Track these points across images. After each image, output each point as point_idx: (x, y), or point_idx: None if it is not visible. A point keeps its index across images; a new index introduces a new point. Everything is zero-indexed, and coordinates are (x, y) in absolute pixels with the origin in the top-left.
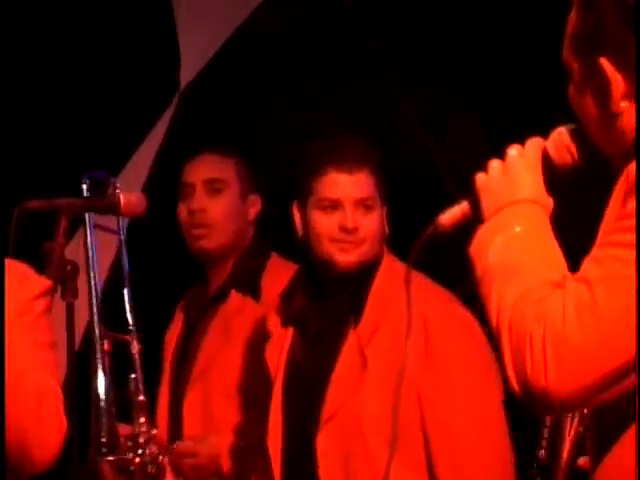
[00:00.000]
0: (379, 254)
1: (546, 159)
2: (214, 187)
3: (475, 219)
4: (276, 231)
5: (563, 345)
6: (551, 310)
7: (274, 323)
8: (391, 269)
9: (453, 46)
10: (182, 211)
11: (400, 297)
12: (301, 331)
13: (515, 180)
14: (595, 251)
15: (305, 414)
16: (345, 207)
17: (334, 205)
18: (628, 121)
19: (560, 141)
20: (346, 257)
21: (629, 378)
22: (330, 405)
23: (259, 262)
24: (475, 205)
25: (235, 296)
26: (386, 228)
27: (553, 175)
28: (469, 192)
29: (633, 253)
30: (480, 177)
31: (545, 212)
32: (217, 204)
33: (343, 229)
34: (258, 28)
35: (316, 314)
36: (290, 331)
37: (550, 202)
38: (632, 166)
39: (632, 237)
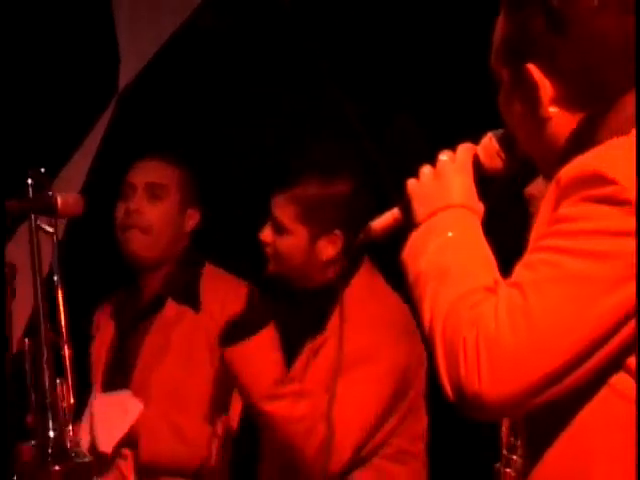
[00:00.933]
0: (339, 272)
1: (477, 164)
2: (155, 192)
3: (406, 224)
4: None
5: (496, 349)
6: (484, 315)
7: None
8: (357, 286)
9: (395, 50)
10: (119, 210)
11: (357, 311)
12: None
13: (446, 185)
14: (527, 256)
15: None
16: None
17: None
18: (557, 127)
19: (491, 146)
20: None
21: (563, 382)
22: None
23: (195, 271)
24: (406, 210)
25: (172, 306)
26: (330, 251)
27: (484, 180)
28: (401, 197)
29: (564, 258)
30: (411, 182)
31: (477, 217)
32: (155, 209)
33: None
34: (199, 28)
35: (286, 326)
36: None
37: (481, 207)
38: (563, 172)
39: (563, 242)
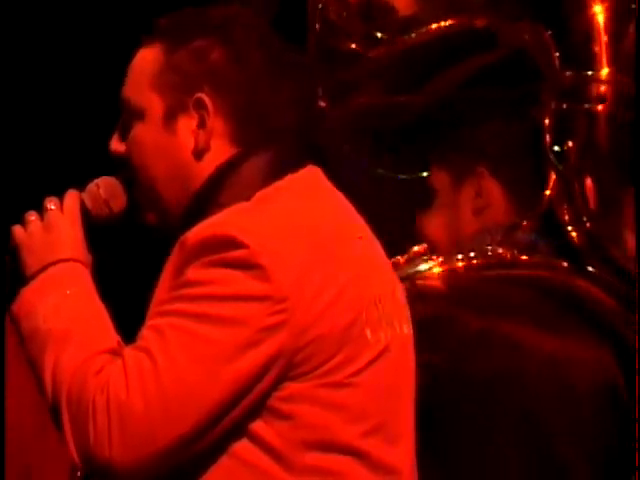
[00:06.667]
0: None
1: (85, 212)
2: None
3: (13, 272)
4: None
5: (128, 415)
6: (113, 380)
7: None
8: None
9: None
10: None
11: None
12: None
13: (56, 238)
14: (154, 320)
15: None
16: None
17: None
18: (205, 166)
19: (97, 194)
20: None
21: (195, 447)
22: None
23: None
24: (14, 259)
25: None
26: None
27: (93, 229)
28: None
29: (191, 322)
30: (19, 231)
31: (87, 270)
32: None
33: None
34: None
35: None
36: None
37: (90, 258)
38: (189, 235)
39: (191, 306)
